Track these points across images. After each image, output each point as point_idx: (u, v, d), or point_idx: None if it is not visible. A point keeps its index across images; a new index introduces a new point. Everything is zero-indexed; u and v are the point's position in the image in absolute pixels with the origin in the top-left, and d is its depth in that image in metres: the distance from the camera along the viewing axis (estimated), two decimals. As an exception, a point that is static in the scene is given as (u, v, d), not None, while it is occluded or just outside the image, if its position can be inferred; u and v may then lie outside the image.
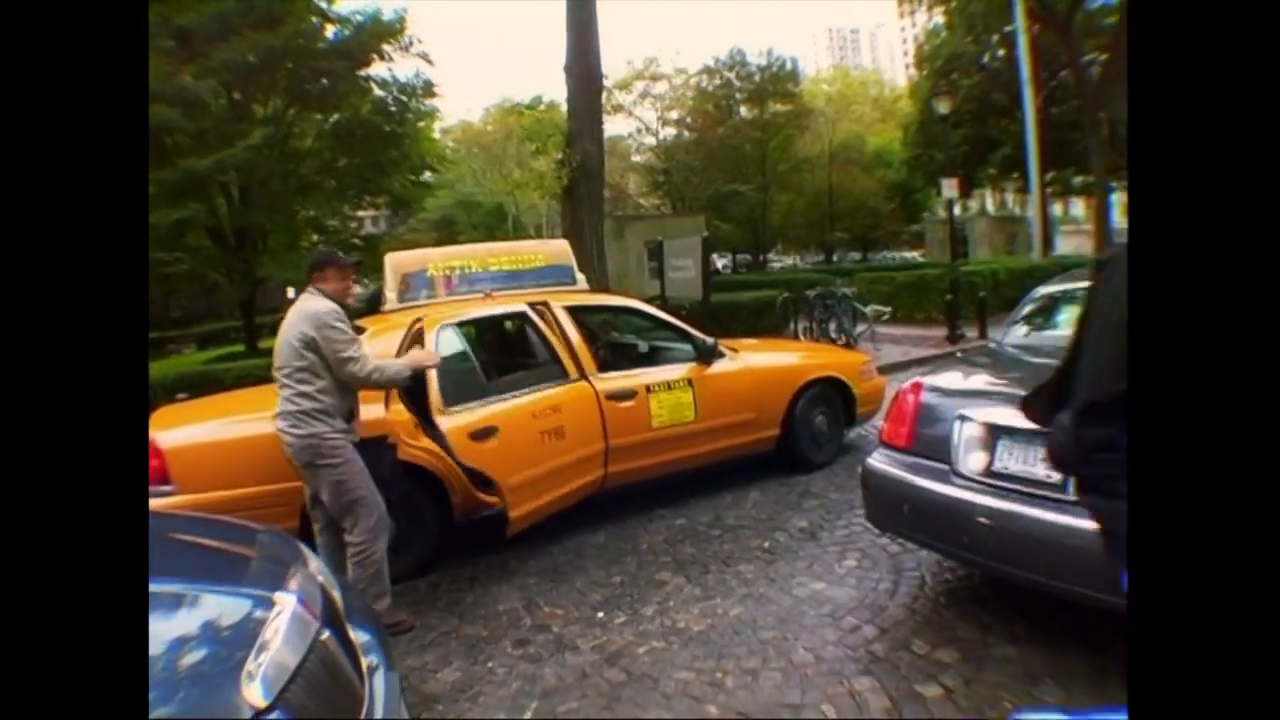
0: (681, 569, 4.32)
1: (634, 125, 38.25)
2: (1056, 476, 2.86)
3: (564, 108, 13.87)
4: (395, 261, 5.37)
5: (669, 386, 5.25)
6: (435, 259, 5.45)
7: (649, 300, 7.53)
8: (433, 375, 4.18)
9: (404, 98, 16.14)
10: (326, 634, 1.94)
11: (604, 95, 15.03)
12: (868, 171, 37.90)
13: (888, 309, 13.72)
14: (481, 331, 6.20)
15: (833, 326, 12.35)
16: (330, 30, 15.23)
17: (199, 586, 1.98)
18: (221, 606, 1.88)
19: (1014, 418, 3.07)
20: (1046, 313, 4.13)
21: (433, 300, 5.22)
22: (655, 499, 5.39)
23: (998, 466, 3.10)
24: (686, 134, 36.34)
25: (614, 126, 34.99)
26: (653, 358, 5.81)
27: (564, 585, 4.23)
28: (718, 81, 35.62)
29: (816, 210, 38.24)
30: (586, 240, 11.71)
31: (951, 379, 3.75)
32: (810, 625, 3.53)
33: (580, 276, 5.85)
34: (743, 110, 35.19)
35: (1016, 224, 30.09)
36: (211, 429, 4.34)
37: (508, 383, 4.76)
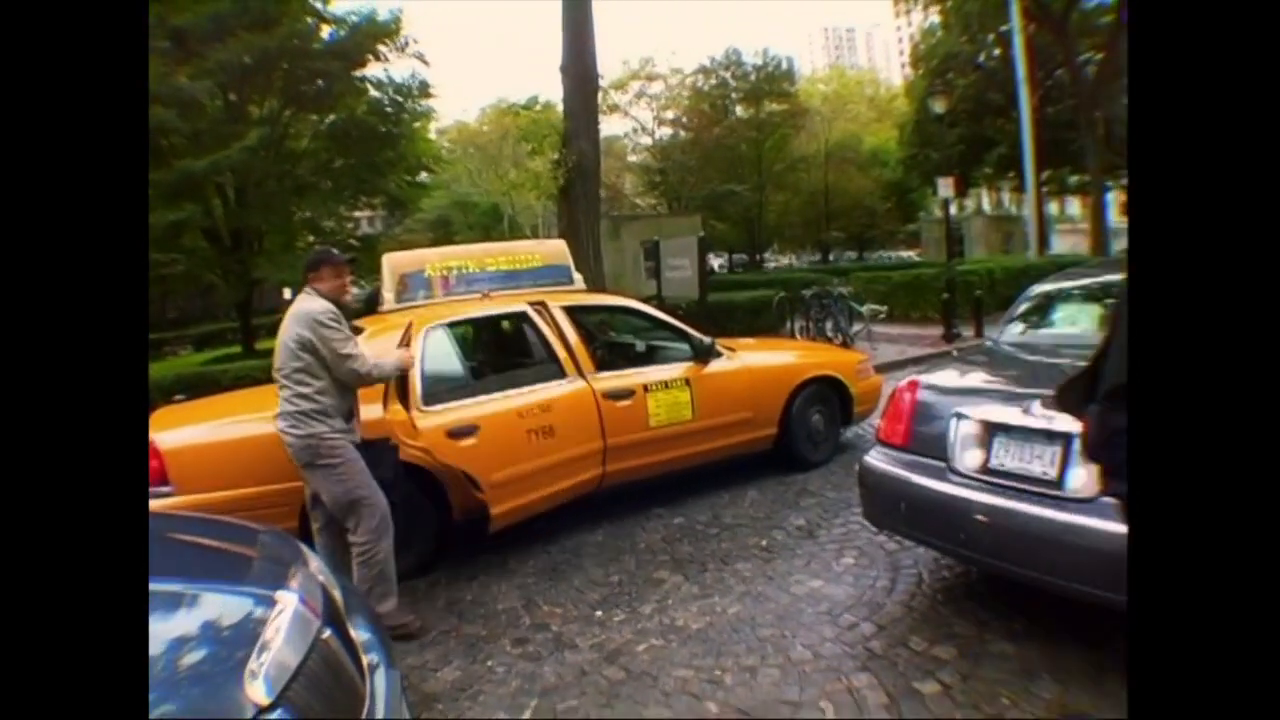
0: (680, 567, 4.33)
1: (630, 125, 38.31)
2: (1053, 473, 2.88)
3: (560, 108, 13.86)
4: (393, 262, 5.37)
5: (666, 386, 5.26)
6: (433, 259, 5.46)
7: (646, 300, 7.55)
8: (414, 375, 4.29)
9: (400, 98, 16.11)
10: (328, 632, 1.95)
11: (600, 95, 15.03)
12: (864, 171, 37.92)
13: (884, 308, 13.75)
14: (478, 331, 6.22)
15: (829, 326, 12.37)
16: (326, 31, 15.20)
17: (202, 586, 1.99)
18: (224, 605, 1.89)
19: (1010, 415, 3.10)
20: (1042, 311, 4.15)
21: (430, 300, 5.23)
22: (653, 498, 5.40)
23: (994, 464, 3.11)
24: (682, 134, 36.35)
25: (610, 126, 35.01)
26: (650, 357, 5.82)
27: (563, 584, 4.24)
28: (713, 81, 35.63)
29: (812, 210, 38.25)
30: (583, 240, 11.70)
31: (948, 377, 3.77)
32: (808, 623, 3.55)
33: (577, 276, 5.86)
34: (738, 110, 35.19)
35: (1012, 223, 30.13)
36: (210, 430, 4.34)
37: (495, 382, 4.81)
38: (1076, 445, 2.82)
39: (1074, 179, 29.82)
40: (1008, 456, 3.07)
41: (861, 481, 3.79)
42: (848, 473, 5.43)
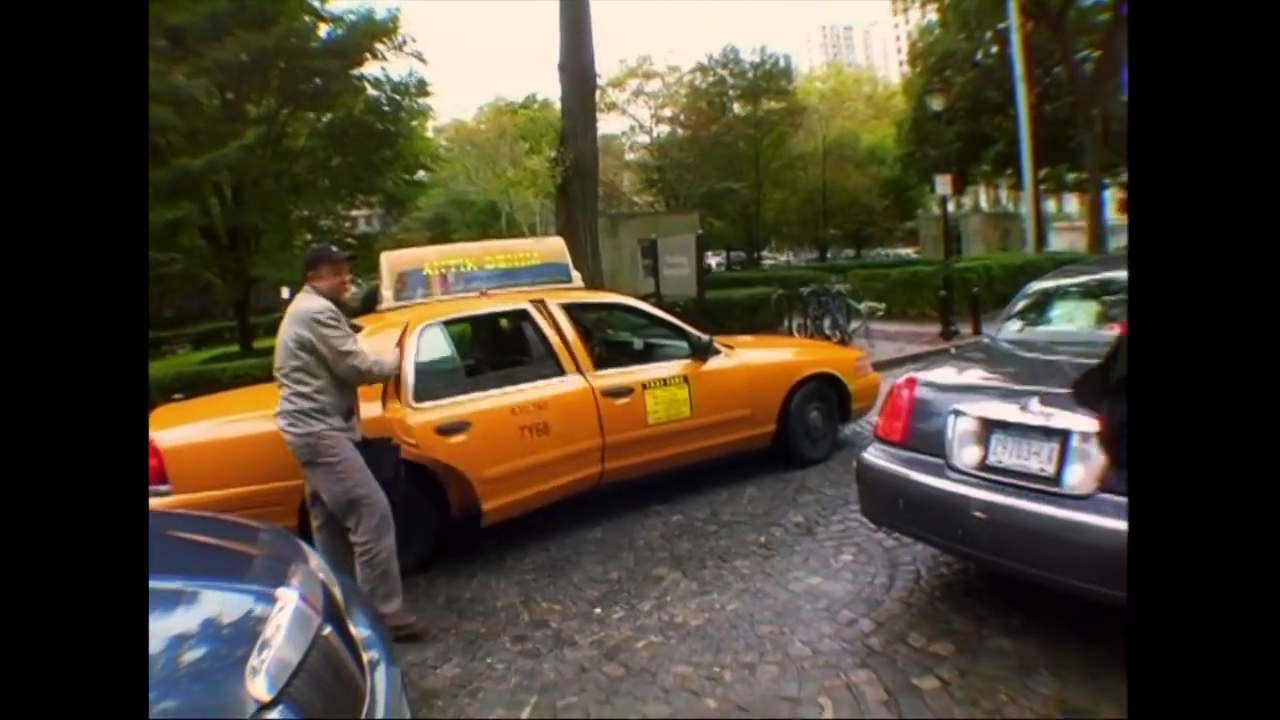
0: (678, 564, 4.34)
1: (628, 123, 38.34)
2: (1050, 470, 2.89)
3: (558, 106, 13.86)
4: (391, 260, 5.37)
5: (665, 383, 5.27)
6: (431, 258, 5.46)
7: (644, 298, 7.55)
8: (405, 372, 4.33)
9: (397, 97, 16.07)
10: (329, 629, 1.95)
11: (598, 93, 15.02)
12: (861, 168, 37.93)
13: (882, 305, 13.76)
14: (476, 330, 6.23)
15: (827, 323, 12.38)
16: (323, 29, 15.16)
17: (204, 583, 2.00)
18: (226, 602, 1.90)
19: (1008, 412, 3.11)
20: (1040, 308, 4.16)
21: (429, 299, 5.23)
22: (651, 495, 5.41)
23: (992, 460, 3.12)
24: (680, 132, 36.37)
25: (608, 124, 35.00)
26: (648, 355, 5.83)
27: (561, 581, 4.24)
28: (711, 79, 35.64)
29: (810, 207, 38.27)
30: (581, 238, 11.70)
31: (945, 374, 3.78)
32: (807, 619, 3.56)
33: (576, 274, 5.86)
34: (736, 108, 35.21)
35: (1010, 220, 30.14)
36: (208, 428, 4.35)
37: (489, 379, 4.84)
38: (1074, 442, 2.84)
39: (1072, 176, 29.83)
40: (1005, 453, 3.08)
41: (859, 478, 3.79)
42: (846, 470, 5.43)
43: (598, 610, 3.86)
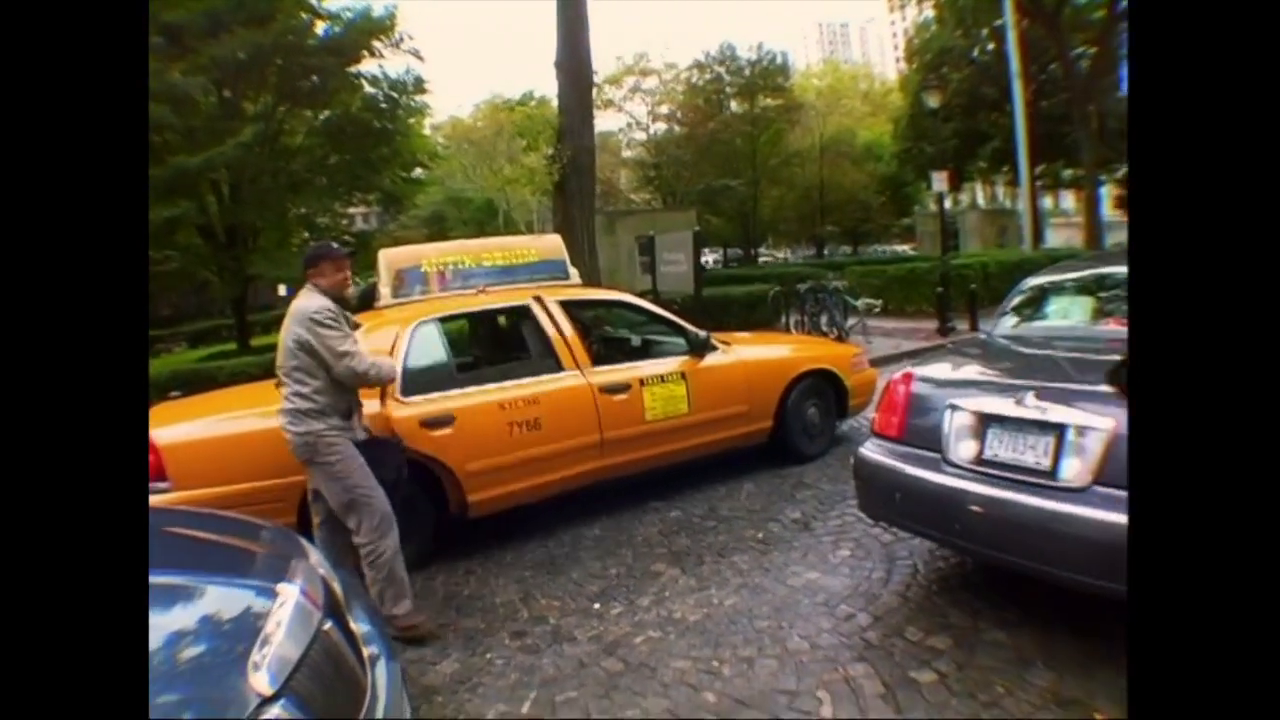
0: (677, 560, 4.35)
1: (624, 120, 38.21)
2: (1046, 464, 2.91)
3: (555, 103, 13.87)
4: (389, 258, 5.38)
5: (662, 379, 5.28)
6: (429, 255, 5.47)
7: (641, 295, 7.56)
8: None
9: (394, 94, 16.04)
10: (329, 624, 1.96)
11: (594, 91, 15.02)
12: (858, 165, 37.93)
13: (879, 302, 13.78)
14: (474, 326, 6.24)
15: (824, 320, 12.40)
16: (320, 27, 15.12)
17: (205, 579, 2.01)
18: (227, 598, 1.91)
19: (1004, 406, 3.12)
20: (1035, 304, 4.17)
21: (427, 296, 5.24)
22: (649, 491, 5.42)
23: (988, 455, 3.13)
24: (677, 129, 36.31)
25: (604, 122, 34.91)
26: (646, 351, 5.84)
27: (560, 577, 4.26)
28: (708, 76, 35.63)
29: (807, 204, 38.27)
30: (578, 235, 11.72)
31: (942, 369, 3.79)
32: (805, 614, 3.57)
33: (573, 271, 5.87)
34: (733, 105, 35.21)
35: (1007, 217, 30.16)
36: (206, 426, 4.35)
37: (480, 375, 4.88)
38: (1069, 436, 2.85)
39: (1068, 173, 29.88)
40: (1001, 447, 3.09)
41: (857, 474, 3.81)
42: (843, 465, 5.44)
43: (596, 606, 3.87)
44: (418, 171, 20.51)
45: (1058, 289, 4.15)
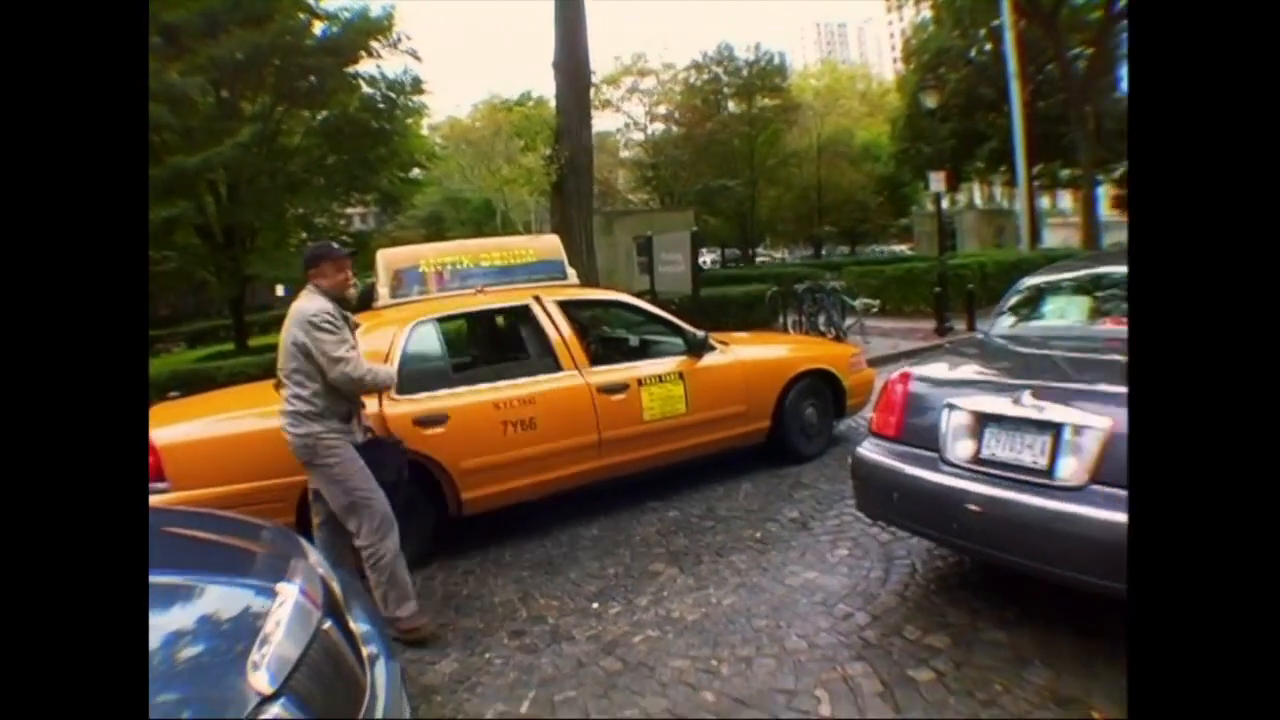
0: (675, 560, 4.36)
1: (622, 121, 38.26)
2: (1043, 463, 2.92)
3: (552, 104, 13.86)
4: (388, 258, 5.39)
5: (660, 379, 5.28)
6: (427, 255, 5.48)
7: (639, 295, 7.56)
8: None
9: (392, 95, 16.04)
10: (329, 624, 1.97)
11: (592, 91, 15.02)
12: (856, 165, 37.98)
13: (876, 302, 13.78)
14: (472, 326, 6.24)
15: (822, 320, 12.41)
16: (318, 27, 15.11)
17: (205, 578, 2.01)
18: (226, 597, 1.91)
19: (1001, 406, 3.13)
20: (1032, 304, 4.18)
21: (425, 296, 5.24)
22: (648, 491, 5.43)
23: (985, 454, 3.14)
24: (675, 129, 36.33)
25: (602, 122, 34.92)
26: (644, 351, 5.85)
27: (559, 577, 4.26)
28: (706, 76, 35.66)
29: (805, 204, 38.31)
30: (576, 236, 11.71)
31: (939, 369, 3.80)
32: (803, 613, 3.58)
33: (571, 271, 5.88)
34: (731, 105, 35.23)
35: (1004, 217, 30.22)
36: (205, 426, 4.35)
37: (475, 375, 4.88)
38: (1066, 435, 2.86)
39: (1065, 173, 29.93)
40: (999, 446, 3.10)
41: (854, 473, 3.81)
42: (841, 465, 5.45)
43: (595, 606, 3.88)
44: (415, 172, 20.52)
45: (1055, 289, 4.16)
